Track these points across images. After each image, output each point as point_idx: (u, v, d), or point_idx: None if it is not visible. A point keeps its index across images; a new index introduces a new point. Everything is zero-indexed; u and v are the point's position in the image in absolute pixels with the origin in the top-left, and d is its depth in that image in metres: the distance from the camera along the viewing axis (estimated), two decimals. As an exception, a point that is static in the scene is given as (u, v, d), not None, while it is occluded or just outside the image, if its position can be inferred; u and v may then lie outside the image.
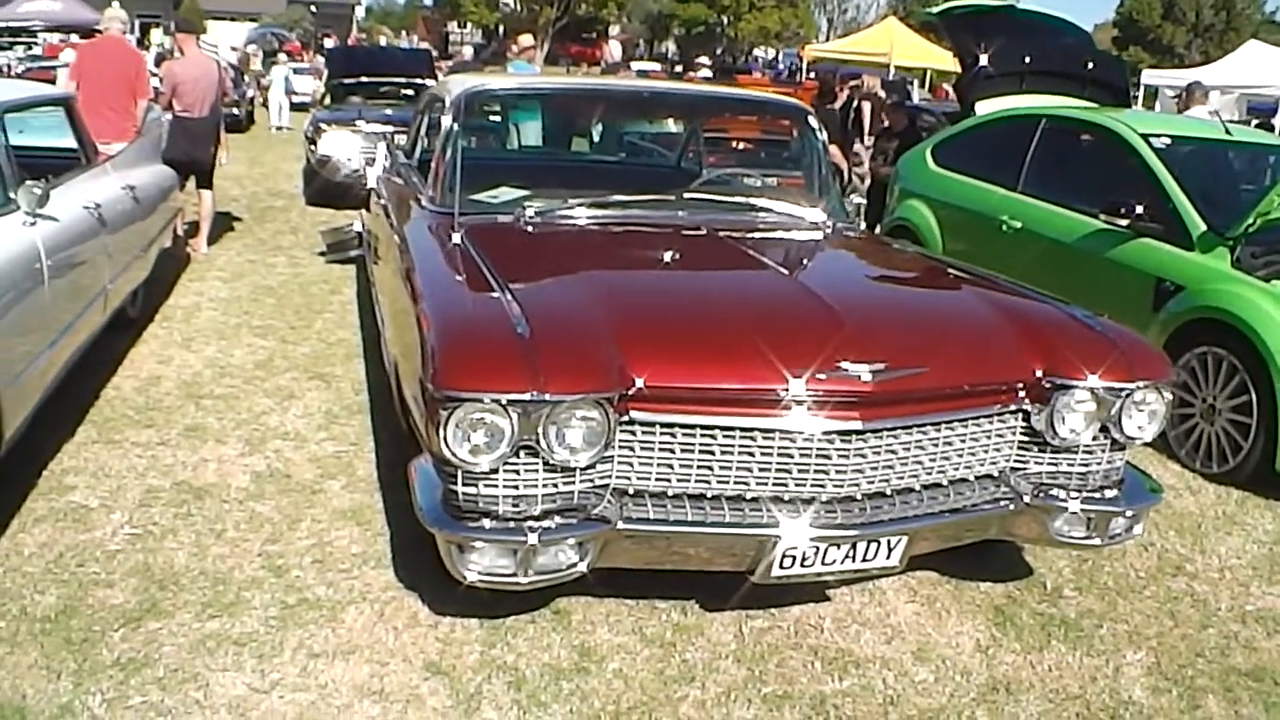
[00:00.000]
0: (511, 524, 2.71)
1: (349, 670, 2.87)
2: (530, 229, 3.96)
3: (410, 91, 11.98)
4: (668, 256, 3.77)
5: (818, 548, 2.90)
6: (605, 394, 2.67)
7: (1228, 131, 6.06)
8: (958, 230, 6.76)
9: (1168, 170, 5.44)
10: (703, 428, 2.81)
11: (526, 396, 2.59)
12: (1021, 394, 3.15)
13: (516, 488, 2.73)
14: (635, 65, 25.71)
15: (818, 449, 2.87)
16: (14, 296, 3.59)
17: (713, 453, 2.84)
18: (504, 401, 2.59)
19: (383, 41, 34.14)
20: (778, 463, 2.87)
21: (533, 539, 2.66)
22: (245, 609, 3.15)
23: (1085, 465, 3.28)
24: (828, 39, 47.27)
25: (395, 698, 2.77)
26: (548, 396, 2.59)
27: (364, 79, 11.78)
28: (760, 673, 3.01)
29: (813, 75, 21.68)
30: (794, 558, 2.90)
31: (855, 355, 2.87)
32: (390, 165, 6.19)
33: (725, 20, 50.19)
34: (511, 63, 12.58)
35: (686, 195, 4.34)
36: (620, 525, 2.77)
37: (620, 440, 2.79)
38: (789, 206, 4.36)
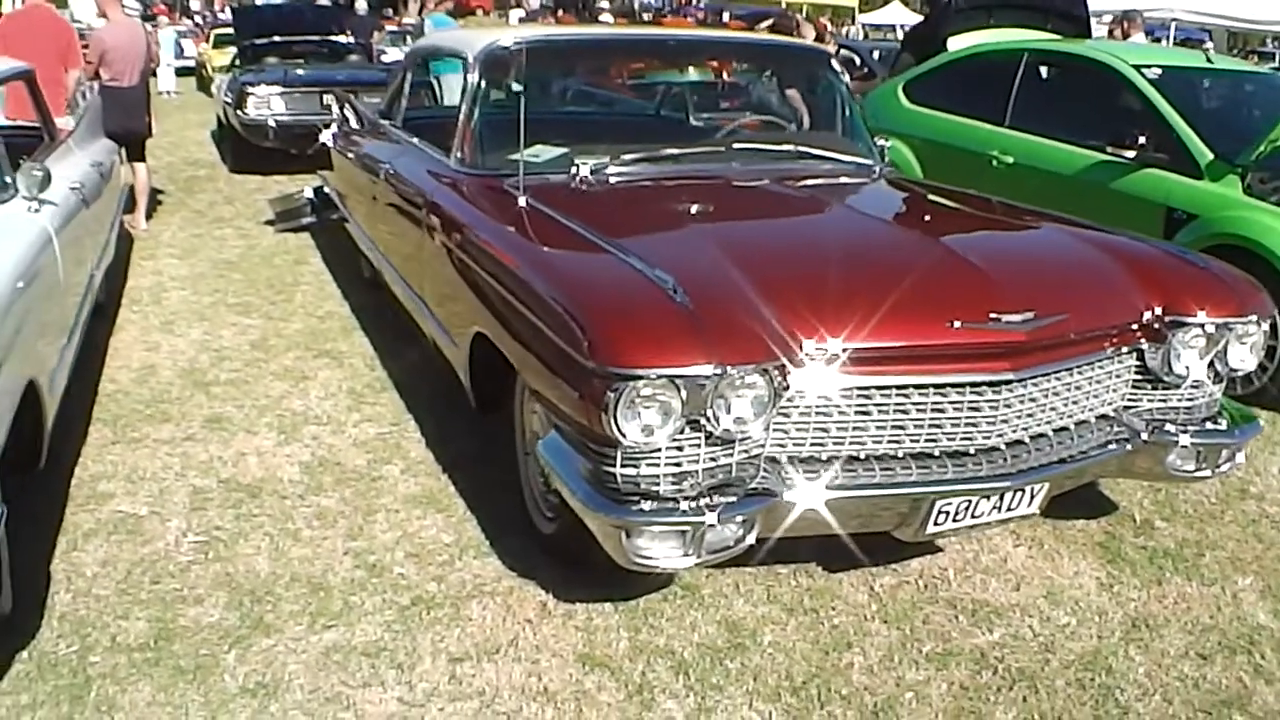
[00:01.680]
0: (674, 503, 2.54)
1: (501, 672, 2.68)
2: (585, 188, 3.74)
3: (325, 50, 11.39)
4: (763, 211, 3.61)
5: (969, 501, 2.83)
6: (777, 361, 2.53)
7: (1210, 60, 6.16)
8: (942, 167, 6.70)
9: (1166, 101, 5.49)
10: (859, 389, 2.69)
11: (708, 370, 2.41)
12: (1138, 333, 3.12)
13: (679, 464, 2.56)
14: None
15: (969, 401, 2.78)
16: (40, 289, 3.23)
17: (869, 413, 2.72)
18: (678, 376, 2.42)
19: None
20: (930, 418, 2.77)
21: (711, 518, 2.50)
22: (359, 615, 2.91)
23: (1191, 399, 3.28)
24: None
25: (563, 696, 2.60)
26: (729, 369, 2.43)
27: (276, 39, 11.11)
28: (912, 631, 2.94)
29: (728, 15, 21.28)
30: (947, 513, 2.82)
31: (1003, 305, 2.78)
32: (364, 126, 5.84)
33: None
34: (430, 16, 12.07)
35: (736, 145, 4.16)
36: (785, 496, 2.64)
37: (779, 407, 2.64)
38: (839, 153, 4.22)
